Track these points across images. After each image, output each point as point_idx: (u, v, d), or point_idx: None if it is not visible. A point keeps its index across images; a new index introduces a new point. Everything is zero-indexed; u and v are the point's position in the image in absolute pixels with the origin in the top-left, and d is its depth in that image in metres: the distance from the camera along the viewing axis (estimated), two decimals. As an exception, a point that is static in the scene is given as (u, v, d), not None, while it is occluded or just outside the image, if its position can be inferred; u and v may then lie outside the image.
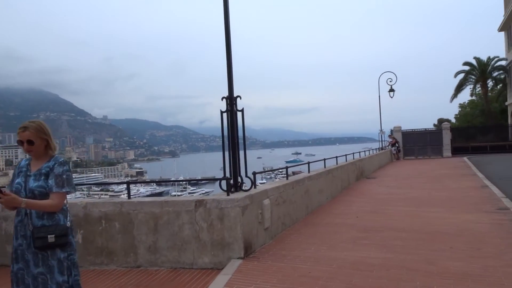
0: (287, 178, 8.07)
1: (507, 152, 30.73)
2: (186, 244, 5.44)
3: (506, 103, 40.73)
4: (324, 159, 11.52)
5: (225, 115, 6.08)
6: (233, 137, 5.98)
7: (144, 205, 5.67)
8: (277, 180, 8.97)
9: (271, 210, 6.50)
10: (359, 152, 19.01)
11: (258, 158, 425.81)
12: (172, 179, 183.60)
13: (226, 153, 6.07)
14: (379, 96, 31.16)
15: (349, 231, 6.89)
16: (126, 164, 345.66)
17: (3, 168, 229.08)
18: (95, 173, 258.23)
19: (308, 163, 10.11)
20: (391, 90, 30.56)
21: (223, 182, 5.74)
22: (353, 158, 16.55)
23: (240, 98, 6.11)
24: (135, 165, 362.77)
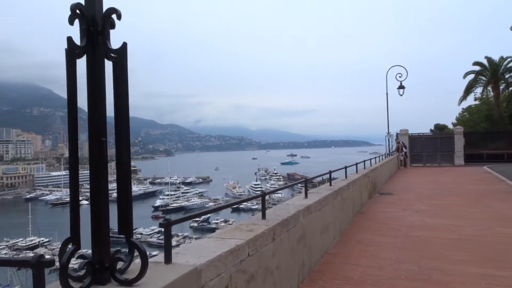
0: (263, 216, 4.68)
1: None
2: None
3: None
4: (330, 173, 7.61)
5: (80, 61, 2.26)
6: (95, 119, 2.40)
7: None
8: (246, 220, 4.67)
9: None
10: (367, 159, 15.11)
11: (253, 159, 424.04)
12: (166, 178, 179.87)
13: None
14: (387, 93, 27.42)
15: None
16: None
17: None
18: (87, 170, 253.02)
19: (306, 180, 6.30)
20: (401, 87, 26.74)
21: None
22: (364, 168, 12.63)
23: (119, 18, 2.27)
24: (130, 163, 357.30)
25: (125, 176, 2.49)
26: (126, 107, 2.44)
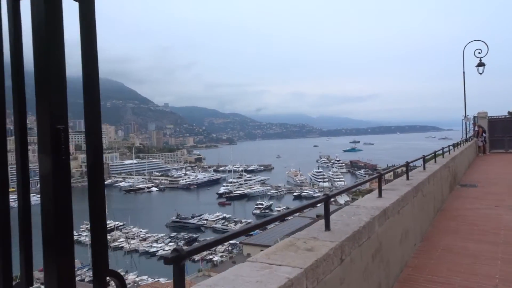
0: (326, 227, 3.70)
1: None
2: None
3: None
4: (407, 164, 6.46)
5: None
6: (46, 87, 1.39)
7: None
8: (304, 232, 3.64)
9: None
10: (445, 147, 13.47)
11: (314, 146, 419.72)
12: (229, 166, 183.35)
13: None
14: (464, 72, 24.75)
15: None
16: (185, 151, 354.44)
17: (73, 152, 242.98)
18: (156, 158, 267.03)
19: (380, 176, 5.25)
20: (480, 64, 23.98)
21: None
22: (443, 156, 11.14)
23: None
24: (194, 152, 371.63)
25: (96, 179, 1.70)
26: (94, 66, 1.64)
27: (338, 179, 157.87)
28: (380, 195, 5.17)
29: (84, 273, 64.57)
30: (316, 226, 3.74)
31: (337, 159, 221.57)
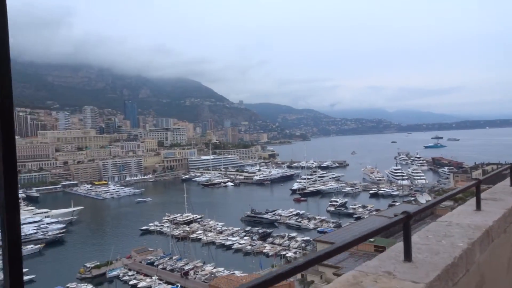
0: (406, 256, 2.81)
1: None
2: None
3: None
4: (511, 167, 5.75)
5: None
6: None
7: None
8: (375, 262, 2.76)
9: None
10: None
11: (392, 142, 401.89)
12: (302, 162, 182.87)
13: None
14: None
15: None
16: (259, 147, 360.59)
17: (155, 149, 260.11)
18: (231, 154, 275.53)
19: (479, 182, 3.88)
20: None
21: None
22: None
23: None
24: (268, 148, 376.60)
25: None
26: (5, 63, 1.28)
27: (418, 177, 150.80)
28: (478, 207, 4.09)
29: (165, 261, 69.07)
30: (392, 254, 2.83)
31: (418, 155, 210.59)
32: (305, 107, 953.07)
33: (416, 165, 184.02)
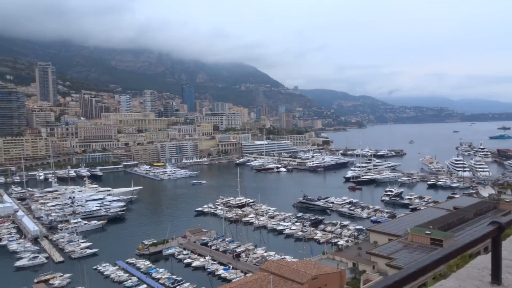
0: (494, 278, 2.18)
1: None
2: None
3: None
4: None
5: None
6: None
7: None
8: (452, 281, 2.09)
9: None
10: None
11: (454, 132, 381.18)
12: (357, 150, 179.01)
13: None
14: None
15: None
16: (313, 133, 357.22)
17: (211, 132, 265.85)
18: (285, 140, 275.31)
19: None
20: None
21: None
22: None
23: None
24: (322, 134, 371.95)
25: None
26: None
27: (481, 169, 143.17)
28: None
29: (218, 243, 71.02)
30: (473, 272, 2.20)
31: (481, 146, 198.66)
32: (362, 94, 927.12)
33: (480, 156, 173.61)
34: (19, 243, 74.90)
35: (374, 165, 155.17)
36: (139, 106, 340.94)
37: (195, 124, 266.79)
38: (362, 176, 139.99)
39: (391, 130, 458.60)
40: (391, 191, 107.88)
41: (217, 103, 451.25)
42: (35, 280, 57.60)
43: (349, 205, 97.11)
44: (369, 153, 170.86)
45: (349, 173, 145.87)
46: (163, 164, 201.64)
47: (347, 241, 65.36)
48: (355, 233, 72.29)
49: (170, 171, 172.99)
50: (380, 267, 43.84)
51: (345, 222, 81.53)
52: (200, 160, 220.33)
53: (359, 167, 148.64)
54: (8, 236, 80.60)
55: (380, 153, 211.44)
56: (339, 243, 63.79)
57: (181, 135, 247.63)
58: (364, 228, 70.75)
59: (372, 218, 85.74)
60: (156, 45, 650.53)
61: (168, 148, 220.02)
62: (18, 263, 65.30)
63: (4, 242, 77.09)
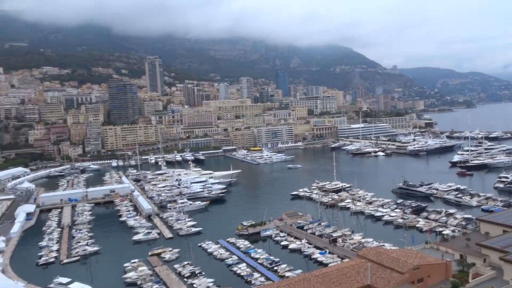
0: None
1: None
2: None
3: None
4: None
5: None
6: None
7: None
8: None
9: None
10: None
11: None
12: (465, 132, 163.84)
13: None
14: None
15: None
16: (414, 115, 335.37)
17: (305, 117, 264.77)
18: (383, 123, 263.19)
19: None
20: None
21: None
22: None
23: None
24: (424, 116, 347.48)
25: None
26: None
27: None
28: None
29: (314, 227, 71.40)
30: None
31: None
32: (471, 70, 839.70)
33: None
34: (135, 220, 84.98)
35: (485, 149, 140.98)
36: (236, 93, 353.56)
37: (289, 109, 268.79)
38: (471, 160, 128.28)
39: (506, 109, 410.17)
40: (507, 178, 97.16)
41: (311, 87, 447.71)
42: (149, 253, 64.56)
43: (456, 192, 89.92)
44: (480, 135, 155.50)
45: (456, 158, 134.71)
46: (260, 148, 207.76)
47: (453, 231, 60.78)
48: (463, 223, 66.96)
49: (267, 155, 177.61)
50: (492, 260, 40.09)
51: (451, 210, 75.90)
52: (295, 144, 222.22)
53: (467, 150, 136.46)
54: (126, 213, 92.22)
55: (493, 135, 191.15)
56: (444, 232, 59.60)
57: (276, 120, 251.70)
58: (474, 218, 65.04)
59: (483, 207, 78.44)
60: (251, 33, 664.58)
61: (264, 133, 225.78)
62: (135, 237, 74.01)
63: (124, 218, 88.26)
